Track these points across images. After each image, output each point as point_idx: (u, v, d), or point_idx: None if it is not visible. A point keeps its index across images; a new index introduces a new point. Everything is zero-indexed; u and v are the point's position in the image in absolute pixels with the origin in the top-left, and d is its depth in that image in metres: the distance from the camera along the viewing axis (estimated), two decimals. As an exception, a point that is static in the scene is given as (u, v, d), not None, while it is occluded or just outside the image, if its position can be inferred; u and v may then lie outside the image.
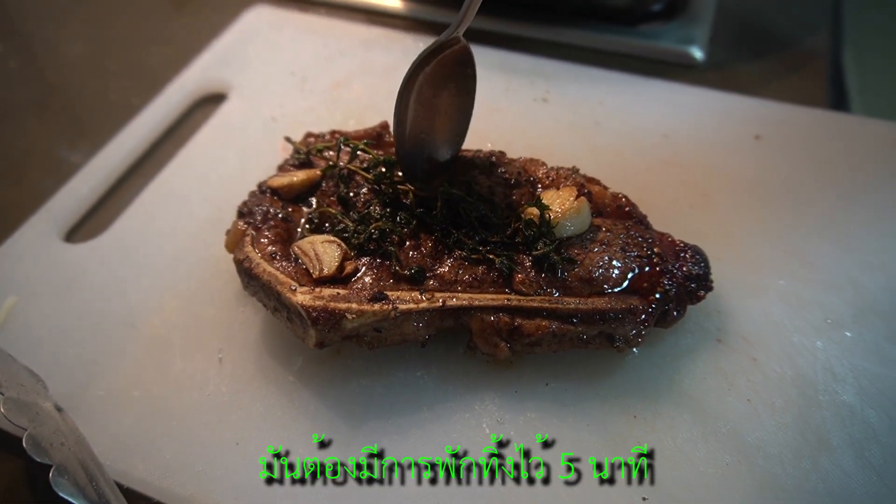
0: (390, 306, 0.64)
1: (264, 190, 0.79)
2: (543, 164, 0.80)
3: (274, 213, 0.76)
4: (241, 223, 0.76)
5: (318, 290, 0.66)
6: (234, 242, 0.75)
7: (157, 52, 1.19)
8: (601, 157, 0.90)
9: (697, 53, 1.08)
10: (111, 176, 0.93)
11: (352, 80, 1.04)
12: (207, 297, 0.76)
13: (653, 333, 0.69)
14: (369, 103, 1.00)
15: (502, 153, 0.80)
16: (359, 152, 0.79)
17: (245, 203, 0.78)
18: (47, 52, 1.25)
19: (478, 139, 0.90)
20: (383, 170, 0.75)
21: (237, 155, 0.94)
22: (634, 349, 0.69)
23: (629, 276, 0.68)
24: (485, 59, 1.03)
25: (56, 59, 1.22)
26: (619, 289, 0.68)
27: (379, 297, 0.65)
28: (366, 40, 1.11)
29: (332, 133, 0.86)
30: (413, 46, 1.10)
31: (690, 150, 0.90)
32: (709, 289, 0.70)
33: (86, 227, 0.89)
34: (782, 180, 0.86)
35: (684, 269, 0.70)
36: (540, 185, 0.77)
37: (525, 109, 0.97)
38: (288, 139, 0.85)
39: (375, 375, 0.69)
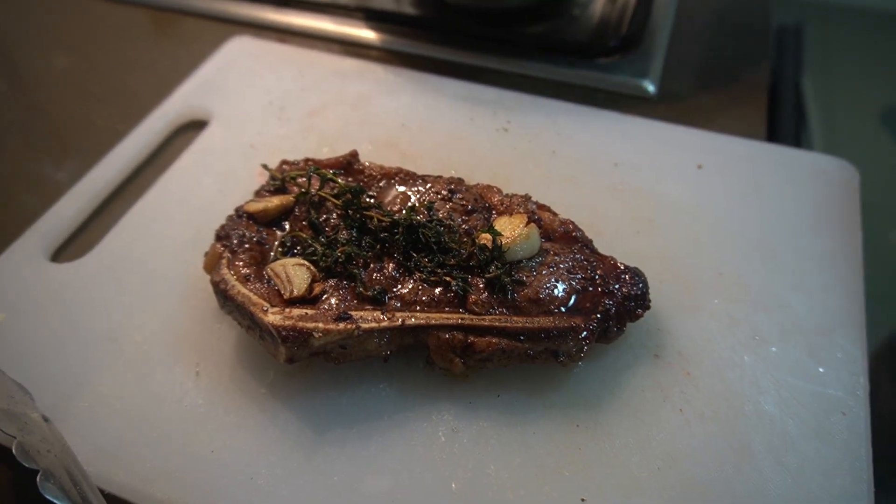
0: (354, 325, 0.71)
1: (241, 214, 0.85)
2: (499, 191, 0.87)
3: (249, 237, 0.82)
4: (218, 246, 0.82)
5: (288, 310, 0.72)
6: (212, 264, 0.81)
7: (140, 78, 1.24)
8: (555, 185, 0.96)
9: (649, 87, 1.16)
10: (97, 198, 0.98)
11: (326, 109, 1.10)
12: (185, 315, 0.81)
13: (595, 348, 0.76)
14: (342, 131, 1.06)
15: (461, 180, 0.87)
16: (331, 180, 0.85)
17: (223, 227, 0.84)
18: (33, 76, 1.30)
19: (441, 166, 0.97)
20: (350, 197, 0.81)
21: (216, 180, 0.99)
22: (578, 363, 0.75)
23: (573, 296, 0.75)
24: (450, 90, 1.11)
25: (41, 83, 1.27)
26: (564, 308, 0.74)
27: (344, 316, 0.72)
28: (340, 71, 1.18)
29: (306, 161, 0.93)
30: (385, 77, 1.16)
31: (638, 178, 0.97)
32: (647, 307, 0.77)
33: (71, 247, 0.94)
34: (721, 207, 0.93)
35: (624, 289, 0.77)
36: (494, 212, 0.83)
37: (486, 138, 1.04)
38: (264, 166, 0.91)
39: (342, 388, 0.74)
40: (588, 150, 1.02)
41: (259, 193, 0.90)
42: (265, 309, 0.72)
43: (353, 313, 0.72)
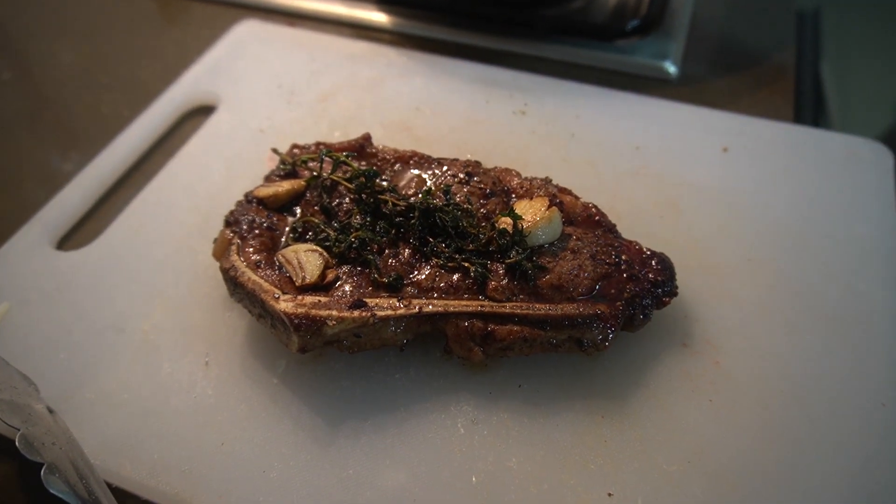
0: (369, 313, 0.68)
1: (251, 200, 0.82)
2: (517, 174, 0.84)
3: (259, 223, 0.79)
4: (227, 232, 0.79)
5: (300, 297, 0.69)
6: (221, 251, 0.78)
7: (147, 66, 1.22)
8: (575, 169, 0.93)
9: (671, 68, 1.12)
10: (102, 185, 0.96)
11: (337, 93, 1.07)
12: (194, 303, 0.78)
13: (621, 337, 0.73)
14: (354, 115, 1.03)
15: (478, 163, 0.84)
16: (344, 163, 0.82)
17: (232, 212, 0.81)
18: (40, 65, 1.28)
19: (456, 151, 0.94)
20: (364, 180, 0.78)
21: (225, 165, 0.96)
22: (603, 352, 0.72)
23: (598, 282, 0.72)
24: (466, 72, 1.08)
25: (48, 72, 1.25)
26: (588, 295, 0.71)
27: (358, 304, 0.69)
28: (351, 54, 1.14)
29: (317, 145, 0.90)
30: (397, 60, 1.13)
31: (661, 161, 0.93)
32: (673, 294, 0.74)
33: (77, 235, 0.92)
34: (747, 190, 0.90)
35: (650, 275, 0.73)
36: (514, 195, 0.80)
37: (503, 121, 1.01)
38: (274, 150, 0.88)
39: (356, 378, 0.72)
40: (608, 133, 0.98)
41: (269, 178, 0.87)
42: (277, 296, 0.69)
43: (367, 300, 0.69)
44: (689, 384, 0.71)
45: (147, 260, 0.85)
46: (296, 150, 0.90)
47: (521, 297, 0.70)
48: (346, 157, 0.82)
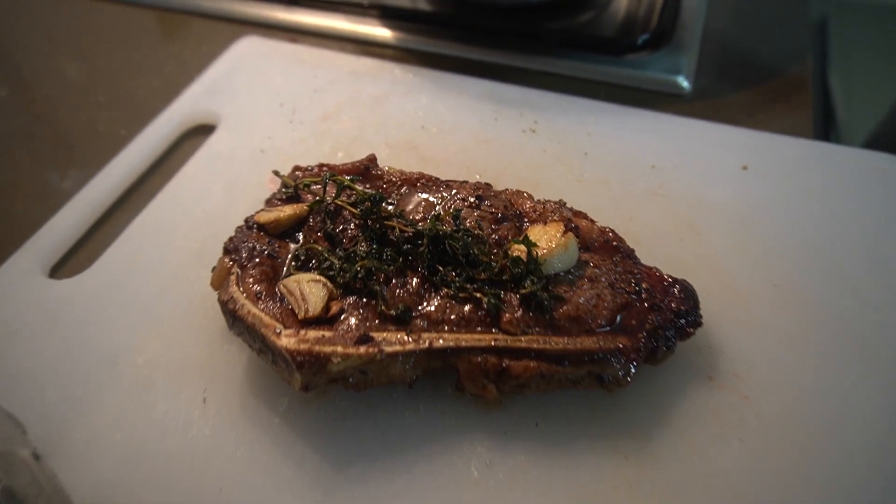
0: (376, 349, 0.64)
1: (251, 225, 0.79)
2: (530, 196, 0.80)
3: (260, 250, 0.75)
4: (226, 260, 0.75)
5: (303, 332, 0.65)
6: (220, 280, 0.74)
7: (146, 83, 1.19)
8: (589, 189, 0.89)
9: (684, 83, 1.08)
10: (97, 210, 0.92)
11: (341, 112, 1.04)
12: (191, 335, 0.74)
13: (643, 371, 0.69)
14: (358, 134, 1.00)
15: (488, 185, 0.80)
16: (348, 187, 0.78)
17: (231, 239, 0.77)
18: (36, 82, 1.25)
19: (465, 171, 0.90)
20: (370, 205, 0.74)
21: (224, 188, 0.93)
22: (625, 388, 0.68)
23: (617, 313, 0.68)
24: (474, 89, 1.04)
25: (45, 90, 1.22)
26: (608, 327, 0.67)
27: (365, 339, 0.65)
28: (355, 71, 1.11)
29: (320, 166, 0.86)
30: (402, 77, 1.10)
31: (678, 180, 0.90)
32: (698, 324, 0.70)
33: (70, 262, 0.88)
34: (770, 211, 0.86)
35: (673, 304, 0.69)
36: (526, 220, 0.76)
37: (513, 140, 0.97)
38: (276, 173, 0.85)
39: (363, 417, 0.68)
40: (622, 151, 0.95)
41: (270, 202, 0.83)
42: (278, 331, 0.65)
43: (374, 335, 0.65)
44: (717, 422, 0.66)
45: (143, 289, 0.81)
46: (298, 173, 0.86)
47: (536, 329, 0.66)
48: (351, 180, 0.78)
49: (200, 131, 1.04)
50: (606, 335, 0.66)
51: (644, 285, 0.70)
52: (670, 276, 0.72)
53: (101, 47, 1.29)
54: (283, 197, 0.83)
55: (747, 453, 0.64)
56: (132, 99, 1.15)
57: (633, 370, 0.65)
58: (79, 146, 1.08)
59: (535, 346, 0.65)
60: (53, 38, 1.33)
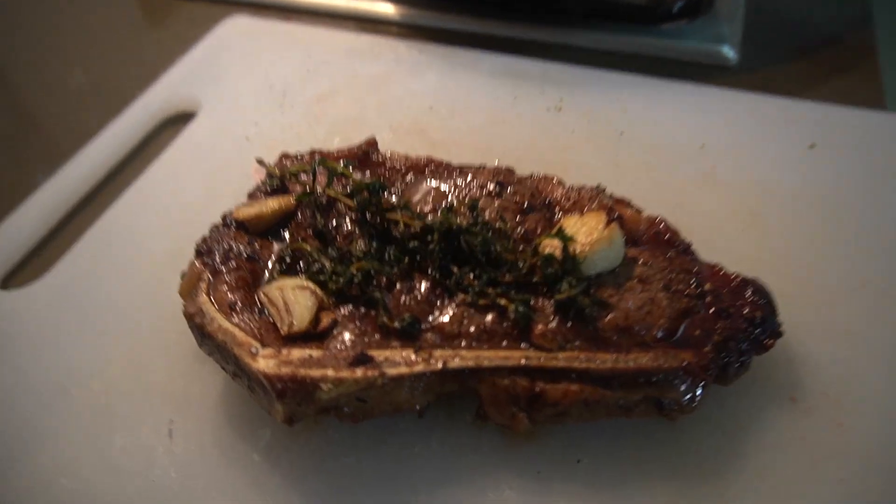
0: (377, 371, 0.51)
1: (229, 223, 0.67)
2: (561, 182, 0.67)
3: (238, 252, 0.63)
4: (197, 264, 0.63)
5: (285, 351, 0.52)
6: (189, 288, 0.62)
7: (124, 69, 1.07)
8: (627, 174, 0.76)
9: (729, 53, 0.95)
10: (58, 210, 0.81)
11: (337, 93, 0.92)
12: (160, 355, 0.64)
13: (711, 393, 0.55)
14: (357, 118, 0.88)
15: (511, 170, 0.67)
16: (343, 175, 0.66)
17: (204, 239, 0.65)
18: (5, 71, 1.13)
19: (481, 156, 0.78)
20: (368, 195, 0.61)
21: (204, 181, 0.81)
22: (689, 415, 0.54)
23: (677, 321, 0.54)
24: (488, 65, 0.91)
25: (9, 76, 1.10)
26: (666, 339, 0.53)
27: (362, 359, 0.52)
28: (353, 49, 0.99)
29: (312, 153, 0.74)
30: (406, 54, 0.97)
31: (733, 162, 0.77)
32: (778, 334, 0.56)
33: (26, 269, 0.76)
34: (847, 194, 0.72)
35: (745, 310, 0.56)
36: (558, 209, 0.63)
37: (536, 121, 0.85)
38: (260, 161, 0.72)
39: (362, 451, 0.55)
40: (665, 129, 0.82)
41: (253, 195, 0.71)
42: (254, 351, 0.52)
43: (374, 354, 0.52)
44: (806, 455, 0.53)
45: (104, 299, 0.69)
46: (286, 161, 0.74)
47: (577, 343, 0.53)
48: (346, 166, 0.65)
49: (179, 120, 0.92)
50: (665, 349, 0.53)
51: (707, 286, 0.57)
52: (738, 275, 0.58)
53: (75, 31, 1.18)
54: (268, 189, 0.71)
55: (846, 495, 0.51)
56: (107, 87, 1.03)
57: (700, 393, 0.52)
58: (48, 139, 0.97)
59: (575, 364, 0.51)
60: (23, 20, 1.21)
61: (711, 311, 0.56)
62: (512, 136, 0.83)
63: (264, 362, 0.52)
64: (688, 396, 0.52)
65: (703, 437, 0.54)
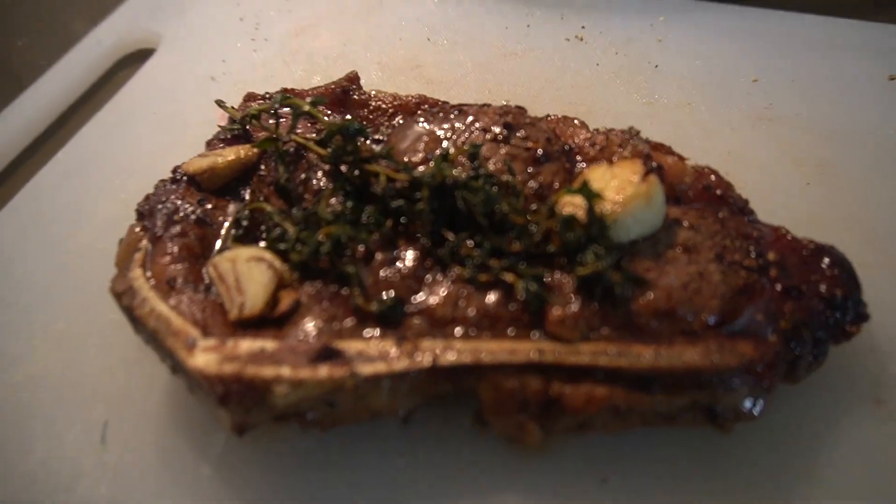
0: (346, 370, 0.40)
1: (179, 178, 0.55)
2: (583, 125, 0.54)
3: (185, 214, 0.51)
4: (137, 229, 0.52)
5: (231, 343, 0.42)
6: (124, 259, 0.50)
7: (76, 5, 0.93)
8: (663, 115, 0.65)
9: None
10: (-9, 164, 0.69)
11: (319, 24, 0.80)
12: (94, 341, 0.55)
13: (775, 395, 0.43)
14: (341, 53, 0.77)
15: (521, 110, 0.55)
16: (311, 116, 0.53)
17: (147, 198, 0.54)
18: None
19: (487, 96, 0.69)
20: (342, 141, 0.49)
21: (160, 129, 0.72)
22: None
23: (734, 303, 0.42)
24: (496, -14, 0.77)
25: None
26: (718, 326, 0.41)
27: (327, 353, 0.41)
28: (339, -28, 0.84)
29: (283, 93, 0.61)
30: (401, -23, 0.82)
31: (793, 98, 0.66)
32: (863, 318, 0.45)
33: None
34: (938, 139, 0.58)
35: (821, 286, 0.44)
36: (581, 158, 0.51)
37: (553, 52, 0.74)
38: (220, 103, 0.60)
39: (335, 465, 0.47)
40: (709, 61, 0.69)
41: (211, 144, 0.59)
42: (191, 342, 0.41)
43: (343, 346, 0.41)
44: (893, 470, 0.41)
45: (32, 273, 0.60)
46: (251, 103, 0.61)
47: (605, 332, 0.41)
48: (313, 103, 0.52)
49: (136, 58, 0.79)
50: (719, 340, 0.41)
51: (771, 256, 0.45)
52: (810, 241, 0.46)
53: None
54: (228, 136, 0.58)
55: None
56: (56, 23, 0.90)
57: (764, 397, 0.40)
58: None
59: (603, 360, 0.40)
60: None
61: (777, 288, 0.44)
62: (524, 72, 0.73)
63: (203, 358, 0.41)
64: (748, 402, 0.40)
65: (763, 451, 0.45)
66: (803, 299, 0.44)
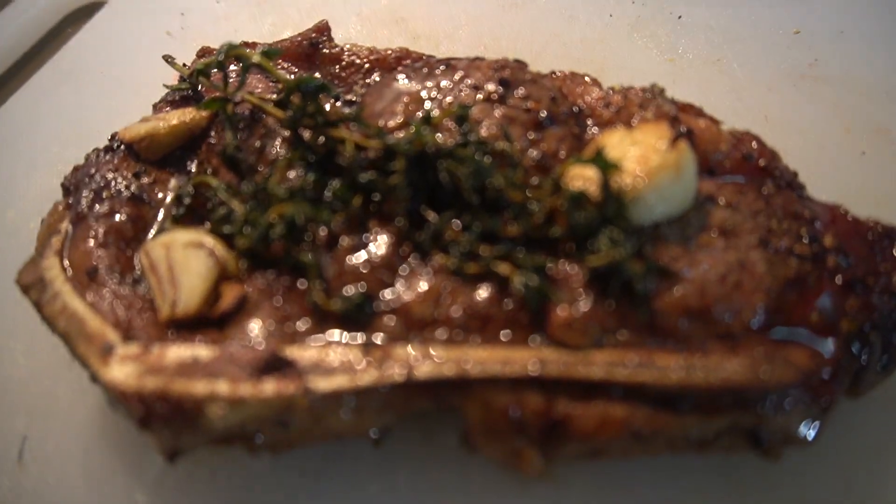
0: (297, 385, 0.32)
1: (116, 146, 0.47)
2: (596, 82, 0.46)
3: (117, 189, 0.43)
4: (60, 208, 0.43)
5: (157, 349, 0.34)
6: (41, 244, 0.42)
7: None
8: (689, 74, 0.59)
9: None
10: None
11: (291, -28, 0.69)
12: (17, 337, 0.48)
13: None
14: (315, 5, 0.71)
15: (521, 64, 0.46)
16: (263, 69, 0.44)
17: (74, 171, 0.46)
18: None
19: (483, 52, 0.59)
20: (301, 101, 0.40)
21: (107, 91, 0.65)
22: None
23: (783, 300, 0.34)
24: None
25: None
26: (763, 328, 0.33)
27: (275, 363, 0.33)
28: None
29: (244, 47, 0.52)
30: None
31: (842, 54, 0.58)
32: None
33: None
34: None
35: (892, 278, 0.35)
36: (592, 122, 0.42)
37: (559, 2, 0.65)
38: (168, 59, 0.52)
39: (291, 490, 0.37)
40: (739, 9, 0.60)
41: (157, 107, 0.52)
42: (107, 348, 0.33)
43: (295, 354, 0.33)
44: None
45: None
46: (204, 59, 0.52)
47: (624, 337, 0.33)
48: (266, 55, 0.43)
49: (82, 14, 0.71)
50: (767, 346, 0.34)
51: (828, 241, 0.37)
52: (876, 223, 0.37)
53: None
54: (177, 98, 0.50)
55: None
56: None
57: (820, 417, 0.32)
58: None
59: (620, 374, 0.32)
60: None
61: (837, 281, 0.35)
62: (525, 27, 0.65)
63: (121, 369, 0.33)
64: (804, 425, 0.32)
65: (814, 478, 0.36)
66: (869, 294, 0.37)
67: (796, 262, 0.38)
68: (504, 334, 0.36)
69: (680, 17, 0.61)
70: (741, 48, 0.57)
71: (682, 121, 0.43)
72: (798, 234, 0.40)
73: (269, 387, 0.33)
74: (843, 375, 0.34)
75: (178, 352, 0.35)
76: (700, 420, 0.34)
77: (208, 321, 0.38)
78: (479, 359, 0.34)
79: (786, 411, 0.34)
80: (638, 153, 0.39)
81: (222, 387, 0.33)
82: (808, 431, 0.35)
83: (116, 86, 0.64)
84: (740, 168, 0.43)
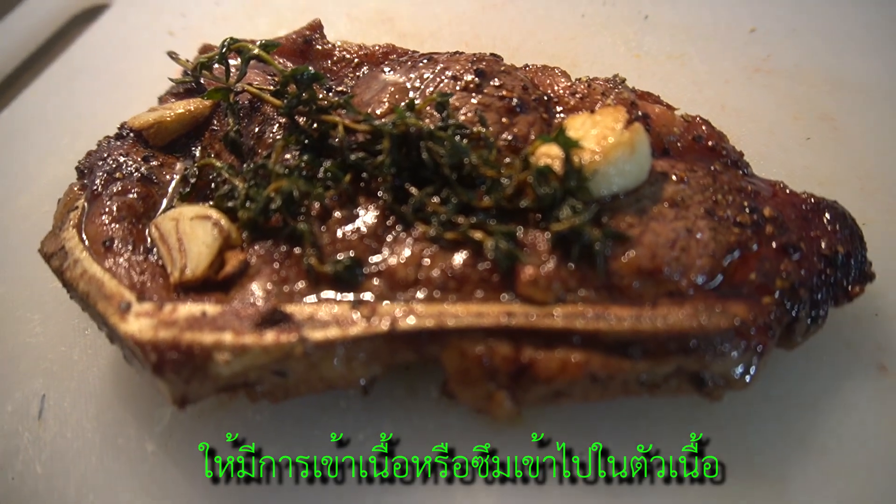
0: (295, 335, 0.36)
1: (125, 133, 0.50)
2: (564, 73, 0.50)
3: (128, 171, 0.47)
4: (76, 188, 0.48)
5: (169, 307, 0.37)
6: (59, 219, 0.46)
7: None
8: (653, 68, 0.62)
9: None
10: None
11: (286, -25, 0.73)
12: (33, 308, 0.51)
13: (769, 359, 0.39)
14: (308, 5, 0.75)
15: (496, 57, 0.50)
16: (261, 60, 0.48)
17: (88, 155, 0.50)
18: None
19: (464, 49, 0.63)
20: (297, 89, 0.44)
21: (113, 86, 0.69)
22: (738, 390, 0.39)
23: (726, 262, 0.38)
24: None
25: None
26: (708, 287, 0.37)
27: (274, 317, 0.37)
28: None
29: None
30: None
31: (793, 49, 0.63)
32: (867, 277, 0.41)
33: None
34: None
35: (821, 244, 0.40)
36: (560, 109, 0.46)
37: (534, 2, 0.70)
38: (172, 55, 0.56)
39: (288, 441, 0.42)
40: (702, 9, 0.64)
41: (163, 99, 0.56)
42: (125, 306, 0.37)
43: (293, 310, 0.37)
44: (898, 443, 0.38)
45: None
46: (205, 56, 0.56)
47: (583, 294, 0.37)
48: (264, 48, 0.47)
49: (89, 16, 0.75)
50: (708, 301, 0.38)
51: (767, 212, 0.41)
52: (810, 195, 0.42)
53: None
54: (181, 90, 0.54)
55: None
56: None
57: (755, 363, 0.36)
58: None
59: (580, 323, 0.36)
60: None
61: (773, 245, 0.40)
62: (505, 24, 0.69)
63: (137, 323, 0.37)
64: (740, 368, 0.37)
65: (757, 421, 0.39)
66: (802, 257, 0.41)
67: (738, 229, 0.43)
68: (478, 293, 0.40)
69: (647, 16, 0.65)
70: (702, 44, 0.61)
71: (640, 106, 0.48)
72: (741, 205, 0.44)
73: (270, 336, 0.37)
74: (776, 327, 0.39)
75: (189, 308, 0.39)
76: (650, 364, 0.38)
77: (214, 285, 0.42)
78: (456, 313, 0.38)
79: (725, 356, 0.38)
80: (597, 133, 0.43)
81: (228, 337, 0.37)
82: (746, 375, 0.39)
83: (122, 81, 0.67)
84: (691, 149, 0.47)
